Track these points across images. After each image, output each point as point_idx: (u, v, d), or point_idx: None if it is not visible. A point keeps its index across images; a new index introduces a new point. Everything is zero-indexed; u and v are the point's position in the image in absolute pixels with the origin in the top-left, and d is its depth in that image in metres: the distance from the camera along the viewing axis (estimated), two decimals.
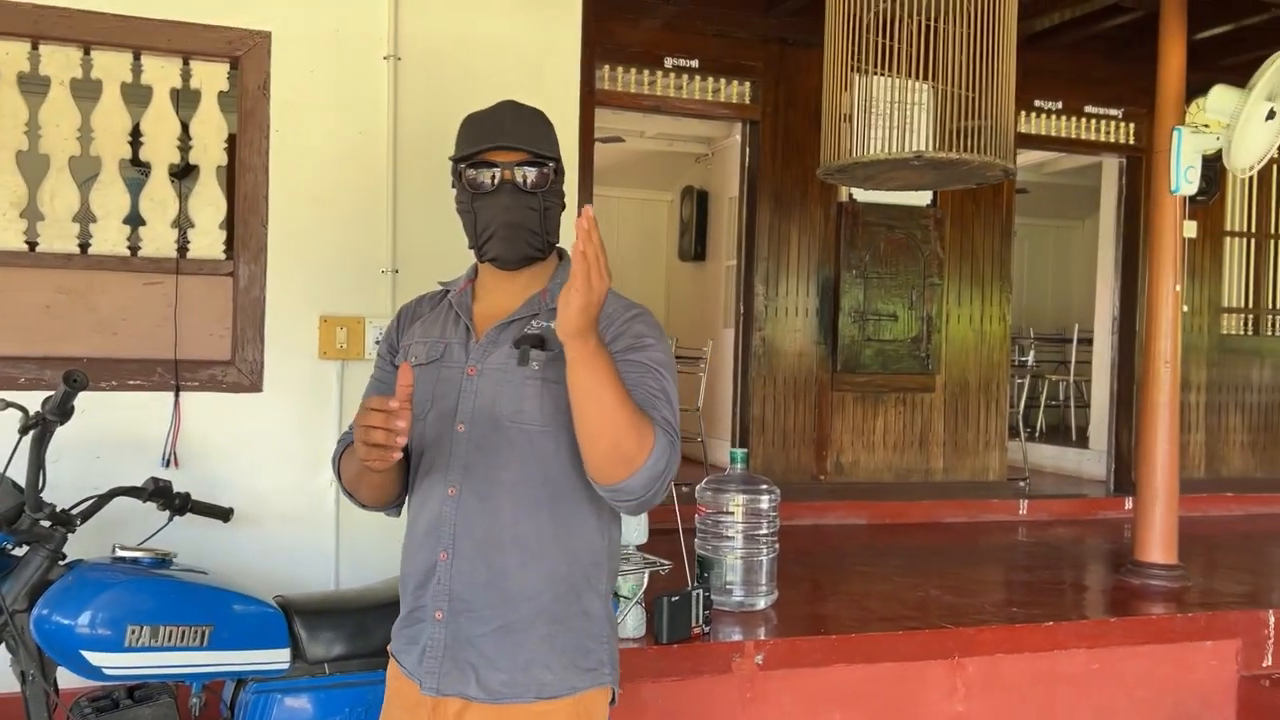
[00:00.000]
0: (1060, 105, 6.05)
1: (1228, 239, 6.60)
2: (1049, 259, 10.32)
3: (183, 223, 3.15)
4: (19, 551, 2.15)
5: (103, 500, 2.26)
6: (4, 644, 2.10)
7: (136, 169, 3.19)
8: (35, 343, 2.97)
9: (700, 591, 3.13)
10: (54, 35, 2.98)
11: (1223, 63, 5.32)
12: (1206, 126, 4.03)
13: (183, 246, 3.13)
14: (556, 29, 3.45)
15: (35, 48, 3.00)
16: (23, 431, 2.13)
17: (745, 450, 3.65)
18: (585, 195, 4.29)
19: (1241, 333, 6.73)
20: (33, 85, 3.03)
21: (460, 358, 1.66)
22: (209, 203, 3.15)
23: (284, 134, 3.15)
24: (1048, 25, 5.26)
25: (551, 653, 1.60)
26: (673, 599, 3.04)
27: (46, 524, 2.12)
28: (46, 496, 2.13)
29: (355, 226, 3.21)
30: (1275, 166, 6.31)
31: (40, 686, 2.09)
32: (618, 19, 4.99)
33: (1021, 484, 6.37)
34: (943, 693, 3.34)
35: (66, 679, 2.14)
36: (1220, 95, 3.98)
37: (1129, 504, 5.54)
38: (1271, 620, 3.74)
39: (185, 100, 3.16)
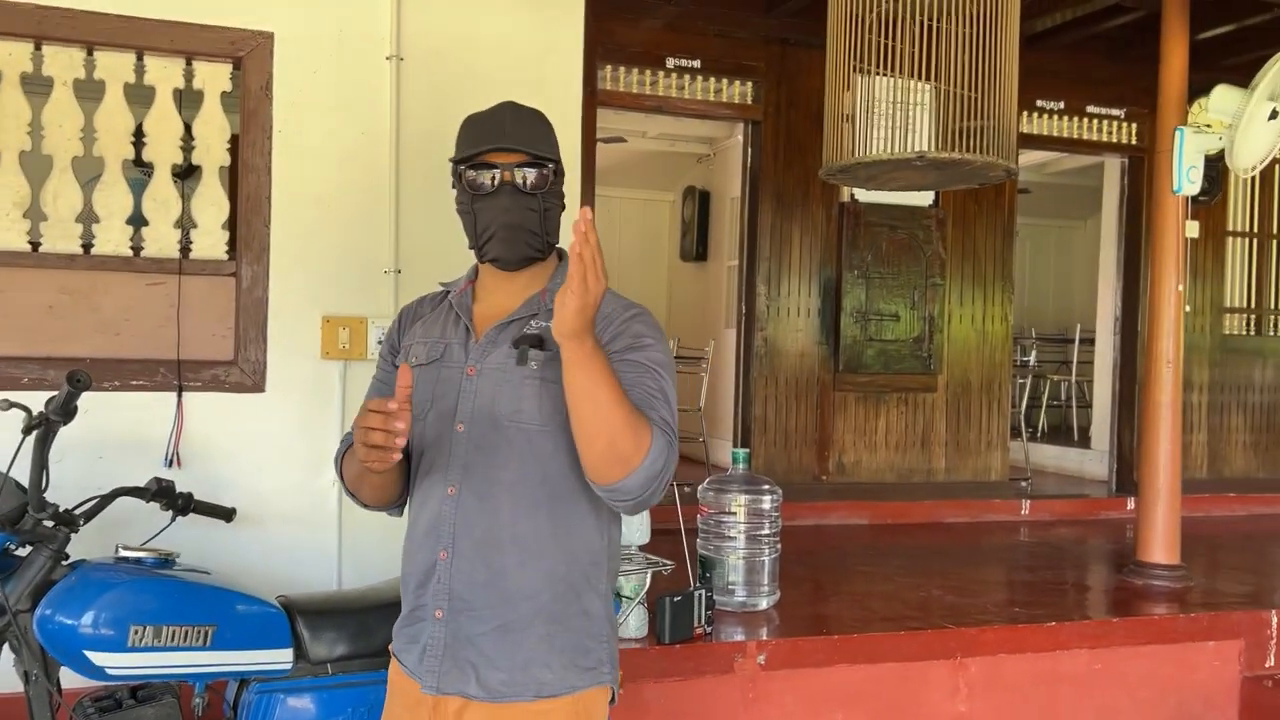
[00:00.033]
0: (1062, 105, 6.05)
1: (1230, 239, 6.60)
2: (1051, 259, 10.32)
3: (185, 223, 3.15)
4: (22, 552, 2.15)
5: (106, 500, 2.26)
6: (7, 644, 2.10)
7: (139, 169, 3.19)
8: (38, 343, 2.97)
9: (702, 592, 3.13)
10: (57, 36, 2.99)
11: (1224, 63, 5.32)
12: (1208, 126, 4.03)
13: (185, 247, 3.13)
14: (558, 29, 3.45)
15: (38, 48, 3.01)
16: (26, 432, 2.13)
17: (747, 450, 3.65)
18: (587, 196, 4.30)
19: (1243, 333, 6.73)
20: (36, 86, 3.03)
21: (460, 358, 1.66)
22: (212, 203, 3.15)
23: (287, 134, 3.15)
24: (1049, 25, 5.27)
25: (551, 652, 1.60)
26: (675, 599, 3.04)
27: (50, 524, 2.13)
28: (50, 497, 2.14)
29: (358, 227, 3.21)
30: (1277, 166, 6.30)
31: (43, 686, 2.09)
32: (619, 19, 4.99)
33: (1023, 484, 6.37)
34: (945, 693, 3.34)
35: (70, 679, 2.14)
36: (1222, 95, 3.97)
37: (1131, 504, 5.54)
38: (1274, 621, 3.74)
39: (188, 101, 3.16)
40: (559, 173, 1.72)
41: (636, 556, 2.98)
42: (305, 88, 3.17)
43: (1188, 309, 4.26)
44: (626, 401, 1.46)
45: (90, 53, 3.04)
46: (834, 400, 5.70)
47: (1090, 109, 6.12)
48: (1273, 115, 3.91)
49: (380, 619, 2.22)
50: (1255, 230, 6.70)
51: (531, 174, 1.66)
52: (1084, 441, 7.48)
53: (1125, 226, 6.43)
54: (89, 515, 2.22)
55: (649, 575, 2.97)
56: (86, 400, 2.15)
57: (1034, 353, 7.88)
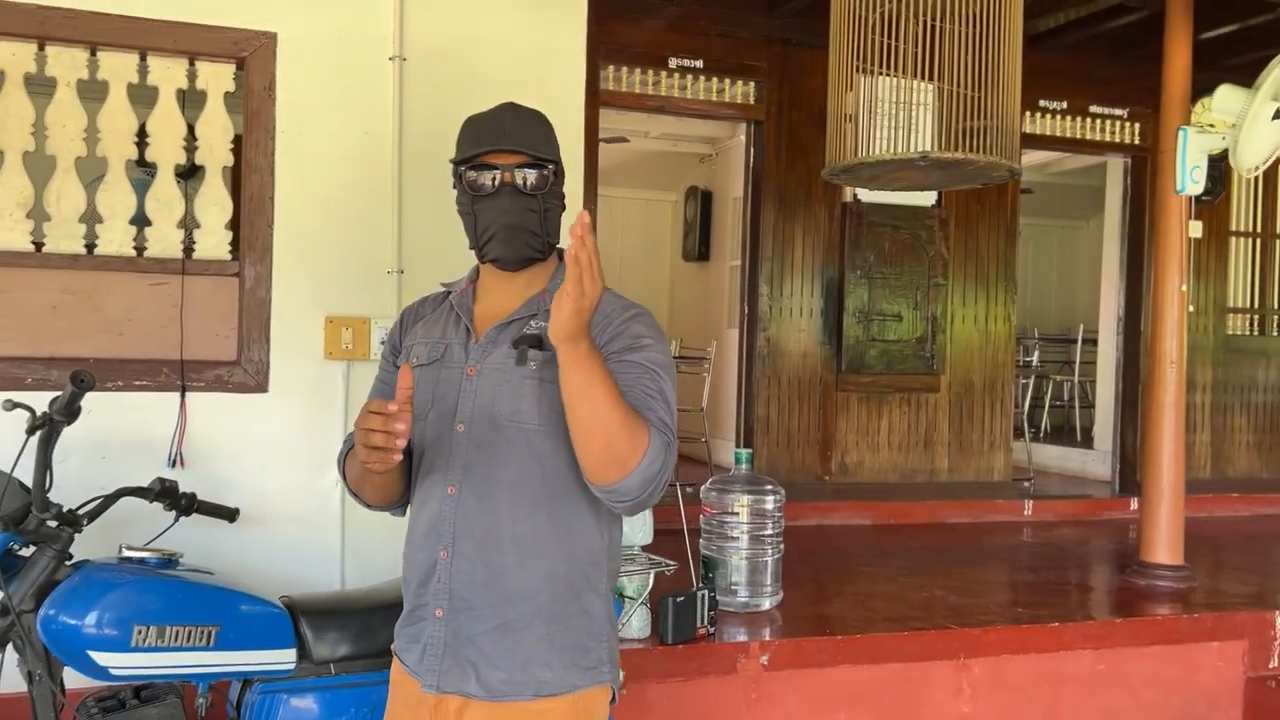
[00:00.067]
0: (1065, 105, 6.04)
1: (1233, 239, 6.59)
2: (1053, 259, 10.31)
3: (189, 223, 3.15)
4: (26, 552, 2.15)
5: (109, 500, 2.26)
6: (11, 644, 2.10)
7: (142, 170, 3.19)
8: (42, 343, 2.97)
9: (705, 592, 3.13)
10: (60, 36, 2.99)
11: (1228, 62, 5.31)
12: (1212, 126, 4.03)
13: (189, 247, 3.13)
14: (561, 29, 3.45)
15: (42, 49, 3.01)
16: (30, 432, 2.13)
17: (750, 451, 3.65)
18: (589, 196, 4.30)
19: (1247, 333, 6.73)
20: (39, 86, 3.03)
21: (460, 358, 1.67)
22: (215, 203, 3.15)
23: (289, 135, 3.15)
24: (1052, 25, 5.26)
25: (550, 651, 1.61)
26: (678, 599, 3.04)
27: (53, 524, 2.13)
28: (53, 497, 2.14)
29: (361, 227, 3.21)
30: None
31: (47, 686, 2.09)
32: (621, 19, 4.99)
33: (1026, 484, 6.36)
34: (948, 693, 3.34)
35: (73, 679, 2.14)
36: (1226, 95, 3.97)
37: (1134, 504, 5.54)
38: (1278, 621, 3.74)
39: (191, 101, 3.16)
40: (559, 173, 1.72)
41: (639, 557, 2.98)
42: (308, 88, 3.17)
43: (1191, 309, 4.26)
44: (623, 403, 1.46)
45: (94, 53, 3.04)
46: (836, 400, 5.70)
47: (1093, 109, 6.11)
48: (1276, 115, 3.91)
49: (383, 619, 2.22)
50: (1258, 230, 6.69)
51: (532, 175, 1.66)
52: (1087, 442, 7.47)
53: (1128, 226, 6.43)
54: (92, 515, 2.22)
55: (652, 576, 2.97)
56: (90, 400, 2.15)
57: (1037, 353, 7.87)
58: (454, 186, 1.72)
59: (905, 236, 5.78)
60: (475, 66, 3.30)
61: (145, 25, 3.02)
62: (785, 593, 3.56)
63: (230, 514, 2.46)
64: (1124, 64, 5.92)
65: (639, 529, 2.98)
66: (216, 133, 3.14)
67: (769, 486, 3.50)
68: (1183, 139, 4.02)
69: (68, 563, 2.16)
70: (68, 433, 2.17)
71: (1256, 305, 6.71)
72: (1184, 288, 4.16)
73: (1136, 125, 6.21)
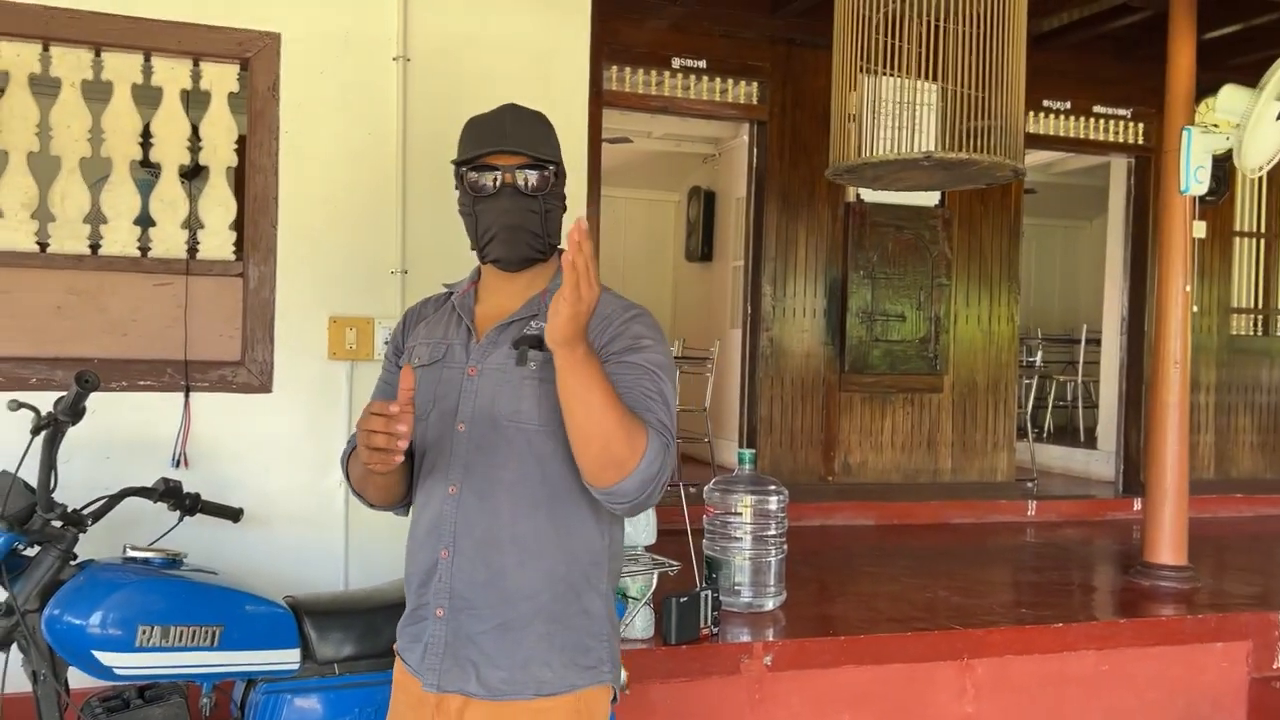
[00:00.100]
0: (1068, 105, 6.04)
1: (1237, 239, 6.58)
2: (1057, 259, 10.30)
3: (193, 224, 3.16)
4: (30, 552, 2.16)
5: (114, 500, 2.26)
6: (16, 644, 2.11)
7: (146, 170, 3.20)
8: (46, 343, 2.98)
9: (708, 592, 3.13)
10: (64, 37, 2.99)
11: (1231, 62, 5.30)
12: (1216, 126, 4.02)
13: (193, 247, 3.14)
14: (564, 30, 3.45)
15: (46, 49, 3.01)
16: (35, 432, 2.13)
17: (753, 451, 3.65)
18: (593, 196, 4.29)
19: (1251, 333, 6.71)
20: (44, 87, 3.04)
21: (461, 358, 1.68)
22: (219, 204, 3.16)
23: (293, 135, 3.16)
24: (1056, 25, 5.25)
25: (551, 650, 1.61)
26: (681, 600, 3.04)
27: (58, 524, 2.13)
28: (58, 497, 2.14)
29: (365, 227, 3.21)
30: None
31: (51, 686, 2.09)
32: (624, 19, 4.99)
33: (1030, 485, 6.36)
34: (952, 694, 3.34)
35: (78, 679, 2.14)
36: (1230, 95, 3.97)
37: (1138, 505, 5.53)
38: None
39: (195, 101, 3.16)
40: (560, 174, 1.73)
41: (643, 557, 2.98)
42: (312, 88, 3.17)
43: (1195, 309, 4.26)
44: (620, 405, 1.47)
45: (98, 54, 3.05)
46: (840, 401, 5.69)
47: (1097, 109, 6.11)
48: None
49: (387, 619, 2.21)
50: (1263, 230, 6.68)
51: (533, 176, 1.67)
52: (1090, 442, 7.47)
53: (1132, 227, 6.42)
54: (97, 515, 2.22)
55: (655, 576, 2.97)
56: (94, 400, 2.15)
57: (1040, 353, 7.87)
58: (456, 187, 1.72)
59: (909, 236, 5.78)
60: (479, 67, 3.31)
61: (149, 26, 3.03)
62: (789, 593, 3.56)
63: (234, 514, 2.47)
64: (1128, 64, 5.91)
65: (642, 529, 2.98)
66: (220, 133, 3.15)
67: (772, 487, 3.50)
68: (1187, 139, 4.01)
69: (72, 563, 2.16)
70: (72, 433, 2.17)
71: (1260, 306, 6.70)
72: (1188, 288, 4.15)
73: (1140, 125, 6.20)
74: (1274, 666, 3.71)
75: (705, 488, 3.58)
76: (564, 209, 1.75)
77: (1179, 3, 4.19)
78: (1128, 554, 4.85)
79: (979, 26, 3.05)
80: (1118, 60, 5.94)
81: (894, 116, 3.17)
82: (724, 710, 3.10)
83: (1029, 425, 7.17)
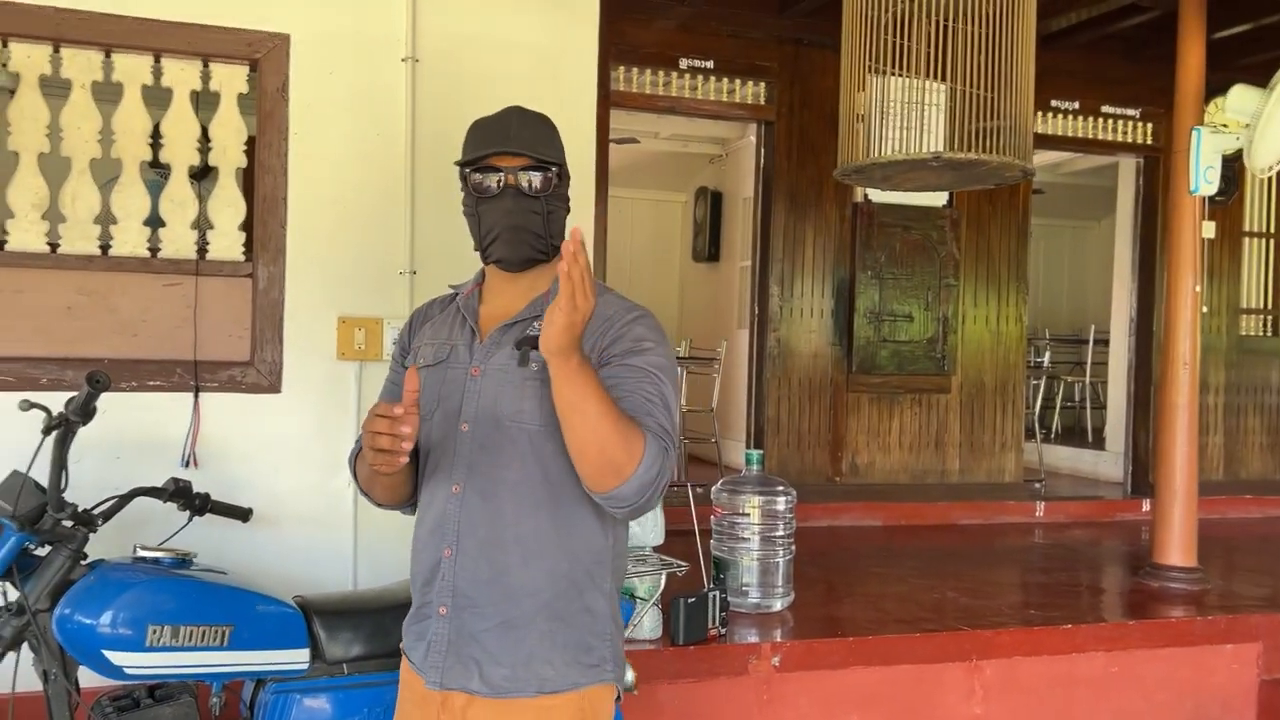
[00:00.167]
0: (1077, 105, 6.02)
1: (1246, 239, 6.56)
2: (1065, 259, 10.27)
3: (202, 224, 3.17)
4: (41, 551, 2.16)
5: (124, 500, 2.27)
6: (27, 643, 2.11)
7: (156, 171, 3.21)
8: (57, 343, 2.99)
9: (716, 593, 3.13)
10: (75, 38, 3.00)
11: (1241, 62, 5.28)
12: (1225, 126, 4.01)
13: (202, 248, 3.15)
14: (573, 31, 3.45)
15: (57, 51, 3.03)
16: (46, 432, 2.14)
17: (761, 452, 3.65)
18: (600, 196, 4.30)
19: (1261, 334, 6.68)
20: (54, 88, 3.05)
21: (465, 359, 1.69)
22: (228, 204, 3.17)
23: (302, 136, 3.16)
24: (1064, 25, 5.24)
25: (553, 648, 1.62)
26: (689, 600, 3.04)
27: (68, 524, 2.14)
28: (68, 497, 2.15)
29: (373, 228, 3.22)
30: None
31: (62, 685, 2.10)
32: (632, 20, 4.99)
33: (1038, 486, 6.35)
34: (960, 695, 3.33)
35: (88, 678, 2.15)
36: (1240, 95, 3.95)
37: (1146, 506, 5.51)
38: None
39: (205, 103, 3.17)
40: (564, 176, 1.74)
41: (651, 558, 2.98)
42: (321, 89, 3.18)
43: (1205, 310, 4.24)
44: (615, 412, 1.48)
45: (108, 55, 3.06)
46: (847, 401, 5.68)
47: (1105, 109, 6.09)
48: None
49: (395, 619, 2.21)
50: (1272, 231, 6.65)
51: (536, 177, 1.68)
52: (1098, 443, 7.45)
53: (1140, 227, 6.40)
54: (107, 515, 2.23)
55: (663, 576, 2.97)
56: (104, 401, 2.16)
57: (1048, 354, 7.85)
58: (461, 188, 1.74)
59: (916, 237, 5.76)
60: (487, 68, 3.31)
61: (159, 27, 3.04)
62: (796, 594, 3.55)
63: (244, 514, 2.47)
64: (1136, 64, 5.90)
65: (650, 530, 2.98)
66: (230, 134, 3.16)
67: (780, 487, 3.50)
68: (1196, 139, 4.00)
69: (83, 562, 2.17)
70: (82, 433, 2.18)
71: (1270, 306, 6.67)
72: (1198, 288, 4.14)
73: (1149, 125, 6.18)
74: None
75: (713, 488, 3.58)
76: (567, 210, 1.76)
77: (1188, 2, 4.17)
78: (1136, 555, 4.83)
79: (988, 26, 3.04)
80: (1126, 60, 5.92)
81: (902, 117, 3.17)
82: (732, 711, 3.10)
83: (1037, 426, 7.15)
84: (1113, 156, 6.54)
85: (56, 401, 2.20)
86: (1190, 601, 3.93)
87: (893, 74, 3.14)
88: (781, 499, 3.46)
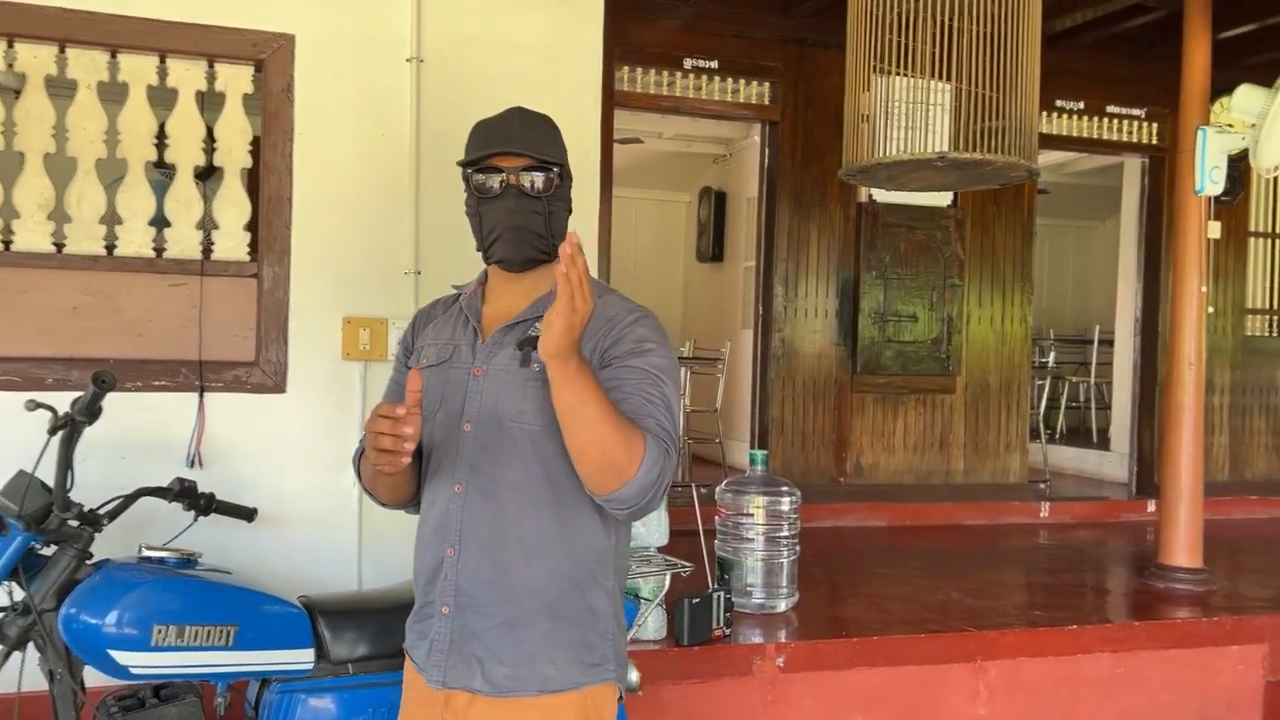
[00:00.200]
0: (1082, 105, 6.01)
1: (1252, 240, 6.54)
2: (1069, 260, 10.26)
3: (207, 225, 3.17)
4: (47, 551, 2.17)
5: (129, 500, 2.27)
6: (32, 642, 2.12)
7: (161, 171, 3.21)
8: (62, 343, 3.00)
9: (721, 593, 3.12)
10: (81, 39, 3.01)
11: (1246, 61, 5.27)
12: (1230, 126, 4.00)
13: (207, 248, 3.15)
14: (577, 31, 3.45)
15: (62, 51, 3.03)
16: (52, 432, 2.14)
17: (765, 452, 3.64)
18: (604, 196, 4.30)
19: (1266, 334, 6.67)
20: (60, 89, 3.05)
21: (468, 359, 1.70)
22: (233, 205, 3.17)
23: (307, 136, 3.17)
24: (1069, 25, 5.23)
25: (555, 648, 1.62)
26: (694, 601, 3.04)
27: (74, 523, 2.14)
28: (74, 496, 2.15)
29: (378, 228, 3.22)
30: None
31: (68, 685, 2.11)
32: (636, 20, 4.99)
33: (1042, 486, 6.33)
34: (965, 696, 3.33)
35: (93, 678, 2.15)
36: (1246, 95, 3.94)
37: (1151, 507, 5.50)
38: None
39: (210, 103, 3.18)
40: (565, 176, 1.75)
41: (655, 558, 2.98)
42: (326, 90, 3.18)
43: (1210, 310, 4.23)
44: (615, 414, 1.48)
45: (114, 55, 3.07)
46: (851, 401, 5.68)
47: (1111, 109, 6.07)
48: None
49: (400, 619, 2.20)
50: (1278, 231, 6.63)
51: (538, 178, 1.69)
52: (1103, 443, 7.43)
53: (1145, 227, 6.38)
54: (113, 515, 2.23)
55: (668, 577, 2.97)
56: (109, 401, 2.17)
57: (1052, 354, 7.83)
58: (464, 189, 1.74)
59: (921, 237, 5.76)
60: (491, 68, 3.31)
61: (165, 28, 3.05)
62: (801, 594, 3.55)
63: (248, 514, 2.47)
64: (1142, 64, 5.88)
65: (654, 530, 2.98)
66: (235, 134, 3.16)
67: (784, 488, 3.49)
68: (1202, 139, 3.99)
69: (88, 562, 2.18)
70: (88, 433, 2.18)
71: (1275, 306, 6.65)
72: (1203, 289, 4.13)
73: (1154, 125, 6.16)
74: None
75: (717, 489, 3.58)
76: (569, 210, 1.77)
77: (1194, 2, 4.16)
78: (1141, 556, 4.82)
79: (993, 26, 3.04)
80: (1132, 60, 5.91)
81: (907, 116, 3.16)
82: (736, 711, 3.10)
83: (1041, 426, 7.14)
84: (1118, 156, 6.52)
85: (62, 401, 2.21)
86: (1195, 603, 3.93)
87: (898, 74, 3.13)
88: (786, 499, 3.46)
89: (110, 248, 3.08)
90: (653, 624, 3.04)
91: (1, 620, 2.11)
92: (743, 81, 5.45)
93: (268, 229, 3.16)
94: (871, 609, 3.73)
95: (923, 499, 5.69)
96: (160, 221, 3.12)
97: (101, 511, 2.21)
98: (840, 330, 5.68)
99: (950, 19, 3.05)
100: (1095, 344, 8.28)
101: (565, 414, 1.48)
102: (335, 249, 3.19)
